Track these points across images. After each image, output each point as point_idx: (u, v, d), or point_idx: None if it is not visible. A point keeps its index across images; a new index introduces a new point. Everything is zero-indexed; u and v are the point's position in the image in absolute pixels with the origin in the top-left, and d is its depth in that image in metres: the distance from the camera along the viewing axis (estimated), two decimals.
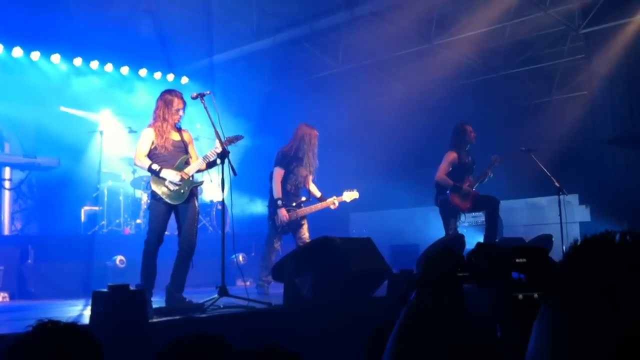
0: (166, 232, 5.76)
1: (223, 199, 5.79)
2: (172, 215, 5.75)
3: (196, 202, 5.79)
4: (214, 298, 5.15)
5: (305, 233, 7.13)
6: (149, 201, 6.48)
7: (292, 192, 7.17)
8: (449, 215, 7.55)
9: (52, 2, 9.30)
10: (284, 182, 7.09)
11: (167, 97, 5.75)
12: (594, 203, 9.98)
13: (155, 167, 5.57)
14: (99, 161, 9.69)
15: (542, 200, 10.25)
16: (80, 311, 5.49)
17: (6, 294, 7.08)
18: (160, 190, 5.57)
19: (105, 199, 9.56)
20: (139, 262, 5.58)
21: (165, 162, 5.66)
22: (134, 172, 9.69)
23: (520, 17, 9.94)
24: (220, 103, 6.05)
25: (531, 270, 1.19)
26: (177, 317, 4.65)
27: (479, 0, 9.71)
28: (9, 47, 9.95)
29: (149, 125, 5.77)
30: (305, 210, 7.17)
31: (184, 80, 11.91)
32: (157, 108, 5.76)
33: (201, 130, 9.94)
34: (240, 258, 8.71)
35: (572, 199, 9.65)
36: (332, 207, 7.23)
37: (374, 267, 5.76)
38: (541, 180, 8.29)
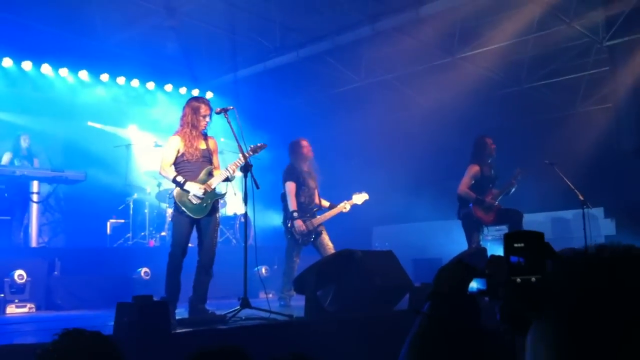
0: (190, 245, 5.83)
1: (246, 212, 5.84)
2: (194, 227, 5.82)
3: (217, 216, 5.85)
4: (236, 309, 5.19)
5: (328, 243, 7.17)
6: (173, 213, 6.56)
7: (306, 203, 7.25)
8: (472, 228, 7.51)
9: (79, 20, 9.52)
10: (297, 195, 7.16)
11: (194, 103, 5.81)
12: (620, 216, 9.85)
13: (179, 179, 5.62)
14: (125, 175, 9.86)
15: (566, 214, 10.14)
16: (104, 322, 5.58)
17: (33, 305, 7.20)
18: (183, 203, 5.63)
19: (131, 212, 9.71)
20: (164, 274, 5.65)
21: (190, 173, 5.70)
22: (159, 185, 9.83)
23: (544, 29, 9.90)
24: (243, 117, 6.12)
25: (529, 253, 1.23)
26: (200, 329, 4.70)
27: (501, 14, 9.70)
28: (37, 64, 10.20)
29: (176, 133, 5.81)
30: (320, 218, 7.23)
31: (209, 95, 12.05)
32: (184, 115, 5.80)
33: (225, 144, 10.05)
34: (263, 270, 8.75)
35: (597, 212, 9.54)
36: (344, 210, 7.29)
37: (396, 281, 5.77)
38: (566, 193, 8.21)
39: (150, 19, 9.70)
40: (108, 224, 9.85)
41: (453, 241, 9.00)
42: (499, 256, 1.55)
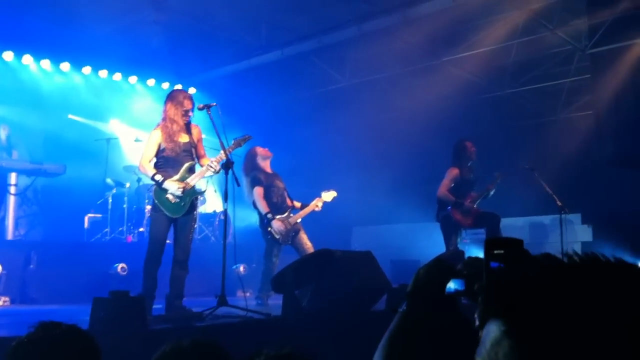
0: (167, 241, 5.79)
1: (226, 210, 5.81)
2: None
3: (195, 213, 5.80)
4: (213, 307, 5.17)
5: (307, 242, 7.18)
6: (151, 211, 6.51)
7: (280, 202, 7.25)
8: (450, 231, 7.56)
9: (62, 12, 9.41)
10: (269, 196, 7.17)
11: (177, 96, 5.67)
12: (597, 223, 9.96)
13: (158, 177, 5.53)
14: (105, 169, 9.77)
15: (544, 219, 10.24)
16: (80, 317, 5.52)
17: (7, 299, 7.12)
18: (161, 202, 5.56)
19: (109, 206, 9.63)
20: (141, 270, 5.60)
21: (171, 168, 5.62)
22: (138, 180, 9.76)
23: (527, 36, 10.00)
24: (226, 114, 6.06)
25: (509, 260, 1.24)
26: (176, 325, 4.67)
27: (487, 19, 9.77)
28: (18, 55, 10.08)
29: (157, 127, 5.70)
30: (296, 217, 7.23)
31: (192, 91, 11.97)
32: (165, 108, 5.68)
33: (206, 140, 9.99)
34: (242, 269, 8.73)
35: (575, 218, 9.64)
36: (316, 209, 7.29)
37: (374, 281, 5.78)
38: (544, 198, 8.29)
39: (136, 13, 9.63)
40: (86, 218, 9.75)
41: (432, 243, 9.04)
42: (476, 257, 1.56)
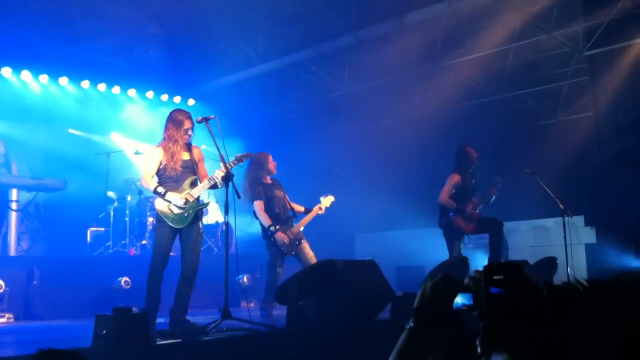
0: (172, 254, 5.78)
1: (227, 221, 5.79)
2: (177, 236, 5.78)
3: (200, 225, 5.81)
4: (217, 321, 5.15)
5: (309, 252, 7.15)
6: (154, 223, 6.52)
7: (282, 213, 7.23)
8: (453, 237, 7.54)
9: (61, 27, 9.44)
10: (271, 207, 7.14)
11: (177, 117, 5.77)
12: (600, 225, 9.93)
13: (160, 189, 5.59)
14: (106, 183, 9.77)
15: (547, 222, 10.22)
16: (84, 333, 5.50)
17: (11, 315, 7.09)
18: (164, 213, 5.59)
19: (112, 220, 9.62)
20: (144, 283, 5.59)
21: (173, 184, 5.68)
22: (140, 193, 9.75)
23: (525, 39, 10.01)
24: (226, 125, 6.09)
25: (509, 285, 1.24)
26: (180, 340, 4.65)
27: (483, 23, 9.78)
28: (17, 70, 10.09)
29: (158, 145, 5.79)
30: (298, 226, 7.22)
31: (191, 102, 12.00)
32: (166, 128, 5.78)
33: (205, 151, 9.98)
34: (245, 279, 8.71)
35: (578, 220, 9.62)
36: (319, 212, 7.27)
37: (377, 291, 5.75)
38: (546, 201, 8.27)
39: (133, 26, 9.65)
40: (88, 232, 9.74)
41: (435, 249, 9.03)
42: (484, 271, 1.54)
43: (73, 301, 7.60)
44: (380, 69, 11.14)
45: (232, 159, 5.85)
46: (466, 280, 1.59)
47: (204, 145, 10.13)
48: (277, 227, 7.03)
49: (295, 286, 5.36)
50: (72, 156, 10.17)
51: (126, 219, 9.68)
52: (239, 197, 5.66)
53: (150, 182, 5.67)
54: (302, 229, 7.26)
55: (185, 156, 5.78)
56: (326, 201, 7.39)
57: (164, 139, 5.77)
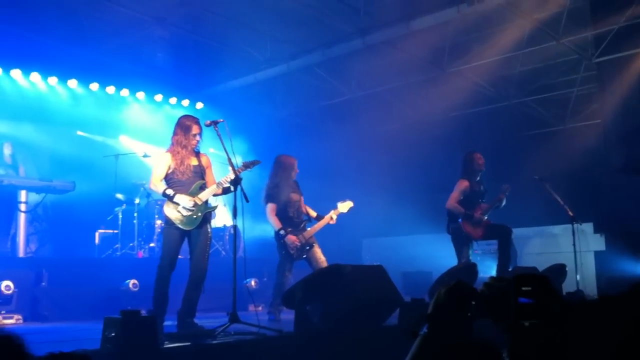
0: (180, 257, 5.80)
1: (235, 224, 5.81)
2: (186, 240, 5.81)
3: (209, 228, 5.83)
4: (225, 324, 5.16)
5: (320, 256, 7.14)
6: (162, 225, 6.55)
7: (295, 217, 7.24)
8: (461, 243, 7.53)
9: (69, 29, 9.48)
10: (284, 210, 7.16)
11: (185, 123, 5.84)
12: (609, 232, 9.90)
13: (169, 192, 5.64)
14: (114, 185, 9.80)
15: (555, 229, 10.20)
16: (92, 335, 5.51)
17: (20, 317, 7.11)
18: (173, 215, 5.63)
19: (120, 222, 9.64)
20: (152, 286, 5.62)
21: (181, 187, 5.72)
22: (148, 196, 9.77)
23: (533, 46, 9.99)
24: (233, 128, 6.13)
25: (538, 296, 1.26)
26: (188, 344, 4.65)
27: (491, 29, 9.77)
28: (26, 72, 10.15)
29: (167, 150, 5.86)
30: (310, 231, 7.22)
31: (199, 105, 12.05)
32: (175, 134, 5.86)
33: (213, 155, 10.02)
34: (253, 283, 8.71)
35: (587, 227, 9.60)
36: (330, 222, 7.26)
37: (385, 296, 5.75)
38: (555, 208, 8.26)
39: (141, 29, 9.69)
40: (97, 234, 9.77)
41: (443, 254, 9.02)
42: (498, 277, 1.55)
43: (81, 303, 7.61)
44: (387, 74, 11.14)
45: (240, 165, 5.88)
46: (481, 287, 1.59)
47: (211, 149, 10.24)
48: (289, 230, 7.04)
49: (302, 291, 5.37)
50: (80, 158, 10.21)
51: (134, 221, 9.71)
52: (247, 201, 5.67)
53: (159, 185, 5.72)
54: (313, 234, 7.26)
55: (194, 161, 5.85)
56: (344, 206, 7.39)
57: (172, 144, 5.84)
